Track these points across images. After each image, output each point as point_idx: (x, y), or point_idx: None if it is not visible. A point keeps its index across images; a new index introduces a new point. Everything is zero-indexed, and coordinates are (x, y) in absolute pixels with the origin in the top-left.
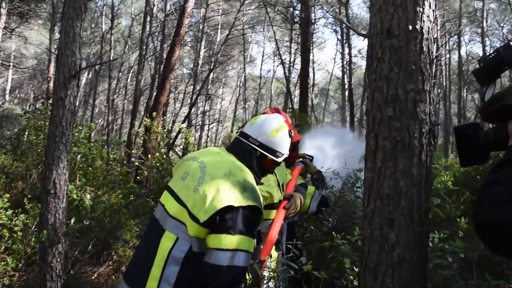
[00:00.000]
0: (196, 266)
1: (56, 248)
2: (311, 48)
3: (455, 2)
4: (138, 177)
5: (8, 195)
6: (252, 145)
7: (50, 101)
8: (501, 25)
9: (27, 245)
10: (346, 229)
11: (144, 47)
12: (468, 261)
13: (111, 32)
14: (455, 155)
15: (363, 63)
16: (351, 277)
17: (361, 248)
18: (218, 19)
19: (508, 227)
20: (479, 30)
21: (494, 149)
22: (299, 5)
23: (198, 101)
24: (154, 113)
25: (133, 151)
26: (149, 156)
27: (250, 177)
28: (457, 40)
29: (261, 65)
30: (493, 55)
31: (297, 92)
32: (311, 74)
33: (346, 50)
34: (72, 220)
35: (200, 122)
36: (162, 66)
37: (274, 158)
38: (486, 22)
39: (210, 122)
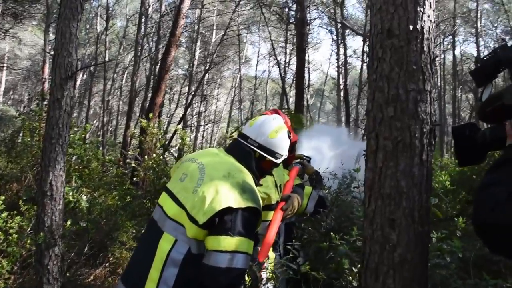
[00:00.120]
0: (195, 268)
1: (52, 250)
2: (306, 48)
3: (449, 2)
4: (134, 179)
5: (3, 197)
6: (251, 146)
7: (45, 103)
8: (495, 25)
9: (23, 248)
10: (343, 229)
11: (139, 48)
12: (465, 260)
13: (106, 33)
14: (450, 155)
15: (358, 64)
16: (350, 277)
17: (361, 248)
18: (213, 19)
19: (508, 227)
20: (473, 31)
21: (492, 149)
22: (294, 5)
23: (193, 102)
24: (151, 114)
25: (129, 152)
26: (145, 157)
27: (249, 178)
28: (451, 40)
29: (257, 65)
30: (490, 55)
31: (292, 92)
32: (306, 75)
33: (341, 51)
34: (68, 222)
35: (195, 123)
36: (157, 67)
37: (273, 159)
38: (480, 22)
39: (206, 123)
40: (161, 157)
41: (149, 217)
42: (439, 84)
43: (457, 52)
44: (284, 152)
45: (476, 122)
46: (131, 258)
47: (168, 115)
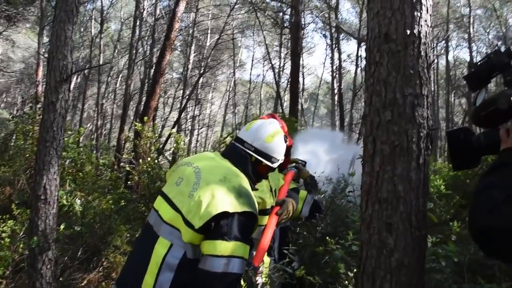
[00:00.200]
0: (190, 273)
1: (46, 254)
2: (301, 53)
3: (442, 7)
4: (128, 182)
5: None
6: (247, 151)
7: (39, 106)
8: (487, 31)
9: (15, 252)
10: (339, 233)
11: (134, 52)
12: (460, 264)
13: (100, 36)
14: (444, 159)
15: (352, 68)
16: (346, 282)
17: (358, 253)
18: (208, 23)
19: (506, 230)
20: (466, 36)
21: (486, 153)
22: (288, 10)
23: (188, 105)
24: (146, 118)
25: (123, 156)
26: (140, 160)
27: (245, 182)
28: (444, 45)
29: (251, 69)
30: (483, 60)
31: (286, 96)
32: (300, 79)
33: (336, 55)
34: (62, 226)
35: (189, 127)
36: (151, 70)
37: (269, 164)
38: (473, 28)
39: (200, 127)
40: (156, 160)
41: (144, 221)
42: (432, 88)
43: (450, 57)
44: (280, 156)
45: (470, 127)
46: (126, 263)
47: (162, 119)
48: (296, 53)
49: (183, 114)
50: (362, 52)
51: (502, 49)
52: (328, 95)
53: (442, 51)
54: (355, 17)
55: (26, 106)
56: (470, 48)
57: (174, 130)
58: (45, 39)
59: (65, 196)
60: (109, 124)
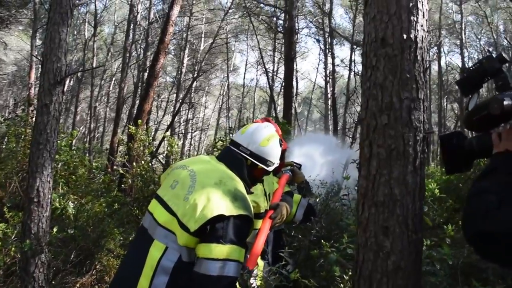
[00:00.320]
0: (185, 276)
1: (39, 258)
2: (295, 57)
3: (435, 14)
4: (122, 185)
5: None
6: (243, 154)
7: (31, 108)
8: (479, 37)
9: (7, 255)
10: (333, 237)
11: (128, 55)
12: (453, 267)
13: (94, 39)
14: (436, 163)
15: (345, 73)
16: (342, 285)
17: (354, 256)
18: (201, 27)
19: (500, 235)
20: (458, 42)
21: (479, 157)
22: (282, 15)
23: (181, 109)
24: (140, 121)
25: (117, 159)
26: (134, 164)
27: (240, 186)
28: (437, 51)
29: (245, 74)
30: (476, 66)
31: (280, 101)
32: (294, 83)
33: (329, 60)
34: (55, 229)
35: (183, 131)
36: (145, 73)
37: (265, 167)
38: (465, 34)
39: (193, 131)
40: (149, 164)
41: (137, 225)
42: None
43: (442, 62)
44: (275, 160)
45: (462, 131)
46: (120, 266)
47: (156, 122)
48: (290, 58)
49: (176, 118)
50: (356, 57)
51: (494, 55)
52: (321, 99)
53: (435, 56)
54: (348, 23)
55: (19, 109)
56: (462, 54)
57: (168, 133)
58: (38, 42)
59: (58, 199)
60: (102, 127)
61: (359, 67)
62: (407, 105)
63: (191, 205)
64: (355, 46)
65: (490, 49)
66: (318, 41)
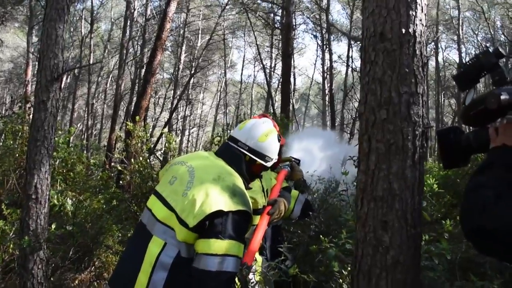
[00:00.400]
0: (184, 272)
1: (37, 254)
2: (292, 53)
3: (432, 9)
4: (120, 182)
5: None
6: (241, 150)
7: (28, 105)
8: (476, 32)
9: (5, 252)
10: (332, 232)
11: (125, 52)
12: (452, 262)
13: (91, 36)
14: (434, 158)
15: (343, 69)
16: (340, 280)
17: (353, 251)
18: (199, 24)
19: (498, 230)
20: (455, 37)
21: (476, 152)
22: (280, 11)
23: (179, 106)
24: (137, 118)
25: (114, 155)
26: (132, 160)
27: (239, 181)
28: (434, 46)
29: (242, 70)
30: (472, 61)
31: (277, 97)
32: (292, 79)
33: (327, 56)
34: (53, 226)
35: (181, 127)
36: (142, 70)
37: (263, 163)
38: (462, 29)
39: (191, 127)
40: (147, 160)
41: (136, 221)
42: None
43: (440, 58)
44: (274, 155)
45: (460, 126)
46: (118, 262)
47: (153, 119)
48: (287, 54)
49: (174, 114)
50: (353, 53)
51: (491, 49)
52: (319, 95)
53: (432, 52)
54: (346, 19)
55: (16, 106)
56: (459, 49)
57: (166, 130)
58: (34, 39)
59: (56, 196)
60: (99, 124)
61: (356, 63)
62: (406, 99)
63: (189, 201)
64: (352, 42)
65: (488, 45)
66: (315, 37)
